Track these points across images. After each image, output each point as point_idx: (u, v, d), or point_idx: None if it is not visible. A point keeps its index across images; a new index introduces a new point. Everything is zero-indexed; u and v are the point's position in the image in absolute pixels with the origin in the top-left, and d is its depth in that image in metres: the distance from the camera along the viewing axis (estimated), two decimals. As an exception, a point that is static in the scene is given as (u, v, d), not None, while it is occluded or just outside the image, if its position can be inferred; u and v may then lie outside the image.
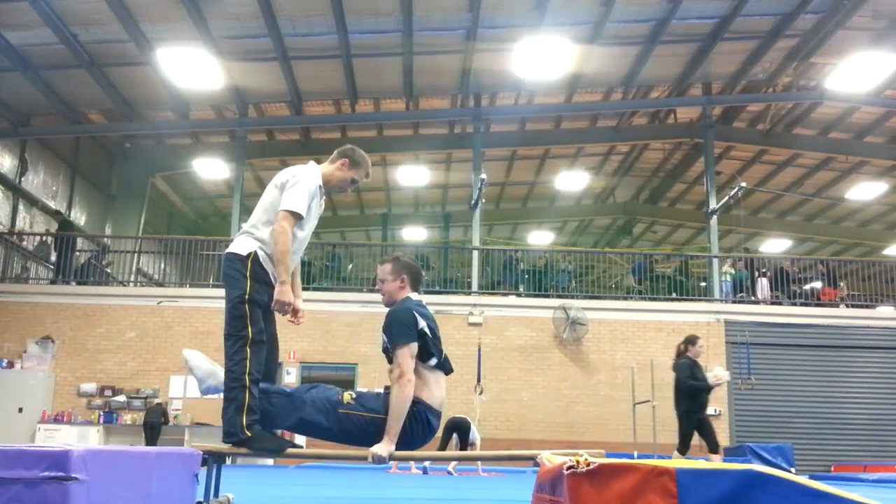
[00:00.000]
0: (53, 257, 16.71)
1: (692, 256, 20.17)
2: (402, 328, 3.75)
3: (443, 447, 11.63)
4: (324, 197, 4.03)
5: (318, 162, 4.13)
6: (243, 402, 3.62)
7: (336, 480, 8.64)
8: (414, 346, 3.73)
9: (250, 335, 3.69)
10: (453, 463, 12.17)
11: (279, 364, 16.02)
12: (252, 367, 3.66)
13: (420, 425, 3.75)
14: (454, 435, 11.82)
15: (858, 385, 16.12)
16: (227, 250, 3.88)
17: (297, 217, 3.78)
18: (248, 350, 3.67)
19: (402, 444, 3.72)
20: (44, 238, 17.59)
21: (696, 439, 8.92)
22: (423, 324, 3.80)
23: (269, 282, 3.80)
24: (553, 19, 14.11)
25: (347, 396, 3.77)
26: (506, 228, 25.90)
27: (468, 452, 11.21)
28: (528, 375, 15.78)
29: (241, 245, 3.84)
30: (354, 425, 3.71)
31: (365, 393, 3.90)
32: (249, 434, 3.60)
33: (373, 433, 3.68)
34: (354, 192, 22.25)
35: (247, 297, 3.73)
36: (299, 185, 3.82)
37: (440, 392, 3.87)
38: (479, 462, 12.14)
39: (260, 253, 3.80)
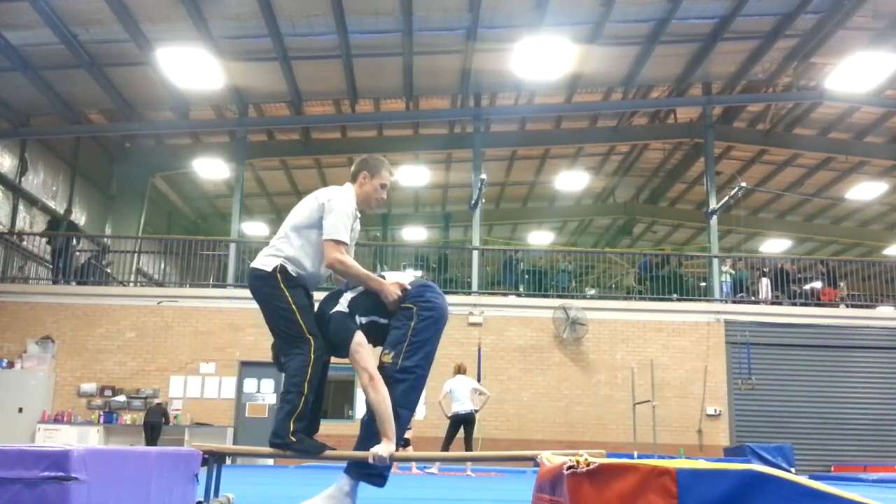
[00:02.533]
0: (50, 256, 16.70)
1: (692, 256, 20.19)
2: (341, 332, 3.75)
3: (448, 441, 11.61)
4: (358, 218, 4.02)
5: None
6: (296, 408, 3.69)
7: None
8: (359, 336, 3.73)
9: (312, 342, 3.73)
10: (468, 463, 12.13)
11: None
12: (313, 373, 3.71)
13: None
14: (461, 429, 11.73)
15: (858, 385, 16.12)
16: (253, 266, 3.88)
17: (341, 244, 3.78)
18: (312, 356, 3.71)
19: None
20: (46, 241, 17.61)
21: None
22: (361, 319, 3.80)
23: (303, 285, 3.84)
24: (553, 19, 14.11)
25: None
26: (506, 228, 25.89)
27: (469, 453, 11.18)
28: (528, 375, 15.78)
29: (265, 262, 3.84)
30: None
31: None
32: (294, 440, 3.70)
33: None
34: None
35: (293, 305, 3.76)
36: (337, 212, 3.81)
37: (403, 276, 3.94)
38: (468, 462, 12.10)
39: (287, 265, 3.81)
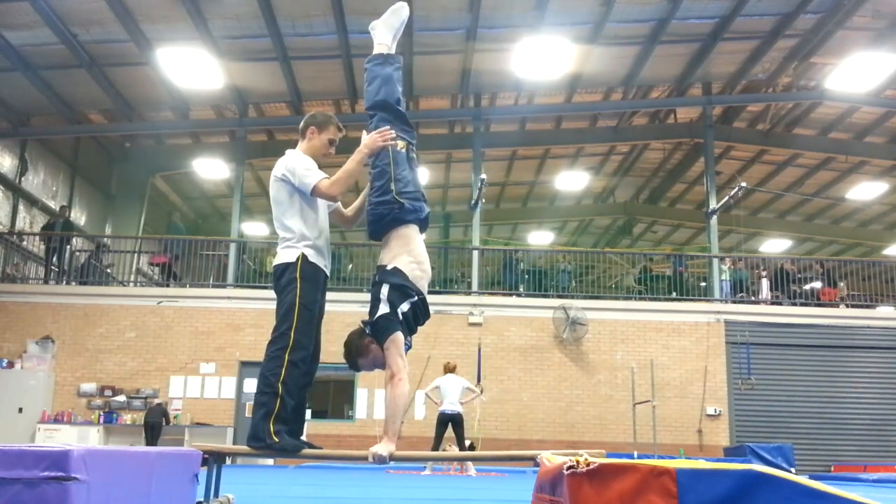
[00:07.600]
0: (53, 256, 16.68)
1: (692, 256, 20.17)
2: (383, 332, 3.82)
3: (438, 442, 11.59)
4: None
5: (319, 163, 4.16)
6: (273, 409, 3.66)
7: (336, 480, 8.63)
8: (398, 335, 3.78)
9: (290, 342, 3.71)
10: (468, 463, 12.08)
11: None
12: (287, 375, 3.68)
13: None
14: (448, 428, 11.68)
15: (858, 385, 16.11)
16: (275, 263, 3.91)
17: (322, 179, 3.84)
18: (286, 358, 3.69)
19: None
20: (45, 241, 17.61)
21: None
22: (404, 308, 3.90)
23: (318, 280, 3.86)
24: (553, 19, 14.12)
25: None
26: (506, 228, 25.88)
27: (467, 453, 11.17)
28: (529, 376, 15.77)
29: (286, 255, 3.86)
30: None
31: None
32: (276, 440, 3.65)
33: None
34: (353, 192, 22.25)
35: (297, 301, 3.76)
36: (296, 168, 3.89)
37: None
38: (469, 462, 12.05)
39: (307, 251, 3.84)
